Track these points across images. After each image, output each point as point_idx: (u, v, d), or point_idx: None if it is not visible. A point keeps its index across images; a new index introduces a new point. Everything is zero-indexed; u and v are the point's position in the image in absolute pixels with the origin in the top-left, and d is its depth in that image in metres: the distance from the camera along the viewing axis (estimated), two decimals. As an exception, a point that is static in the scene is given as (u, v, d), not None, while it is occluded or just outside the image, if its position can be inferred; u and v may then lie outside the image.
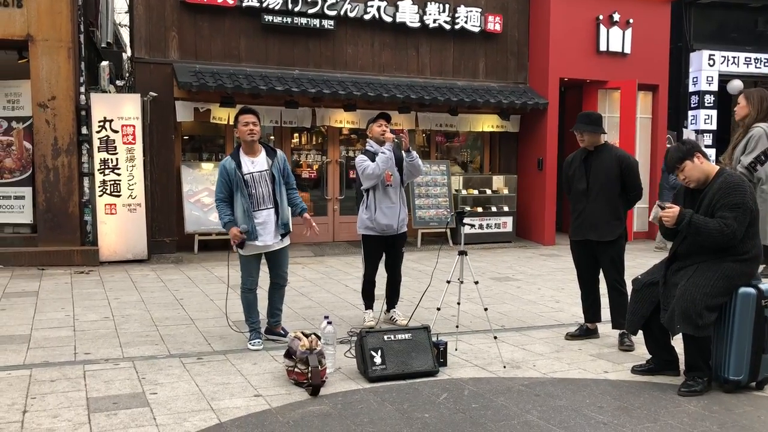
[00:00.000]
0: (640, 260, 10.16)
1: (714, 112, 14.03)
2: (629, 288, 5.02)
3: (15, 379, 4.55)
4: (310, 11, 10.75)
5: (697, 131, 13.95)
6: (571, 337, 5.79)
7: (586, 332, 5.79)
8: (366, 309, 6.19)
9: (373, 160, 5.85)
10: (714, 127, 14.09)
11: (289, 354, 4.54)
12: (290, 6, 10.62)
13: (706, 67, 13.86)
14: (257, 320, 5.51)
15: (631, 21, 12.41)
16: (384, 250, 6.08)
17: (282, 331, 5.60)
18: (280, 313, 5.67)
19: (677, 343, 4.68)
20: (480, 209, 11.84)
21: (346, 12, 11.00)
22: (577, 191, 5.62)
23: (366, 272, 6.11)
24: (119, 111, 9.62)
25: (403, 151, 5.89)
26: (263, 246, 5.37)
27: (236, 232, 5.23)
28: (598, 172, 5.50)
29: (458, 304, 5.57)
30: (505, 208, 12.05)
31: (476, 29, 11.93)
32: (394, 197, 5.96)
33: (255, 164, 5.34)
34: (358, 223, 6.08)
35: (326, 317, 4.89)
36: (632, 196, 5.54)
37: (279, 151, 5.54)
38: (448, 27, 11.74)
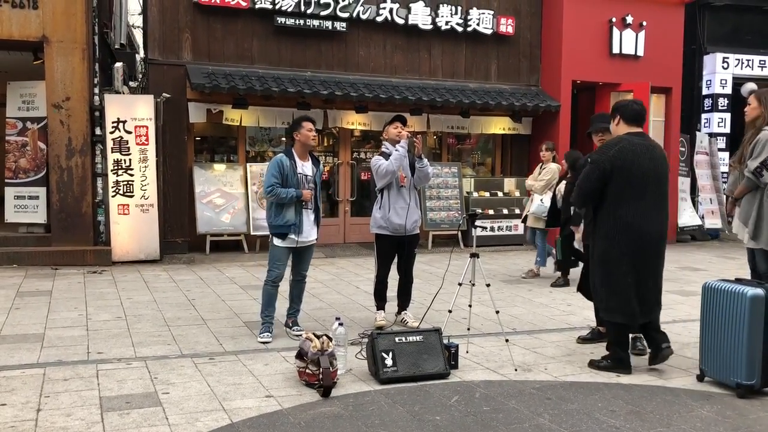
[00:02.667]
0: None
1: (728, 115, 13.93)
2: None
3: (29, 378, 4.59)
4: (323, 13, 10.78)
5: (710, 134, 13.87)
6: (582, 340, 5.76)
7: (599, 336, 5.76)
8: (377, 309, 6.20)
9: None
10: (728, 130, 13.99)
11: (301, 355, 4.55)
12: (303, 8, 10.65)
13: (720, 70, 13.78)
14: (272, 315, 5.69)
15: (644, 23, 12.36)
16: (396, 252, 6.10)
17: (294, 324, 5.90)
18: (297, 310, 5.96)
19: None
20: (491, 211, 11.82)
21: (358, 14, 11.02)
22: None
23: (378, 273, 6.13)
24: (133, 112, 9.68)
25: (415, 157, 5.94)
26: (302, 241, 5.65)
27: (309, 192, 5.62)
28: None
29: (470, 306, 5.57)
30: (517, 211, 12.01)
31: (488, 31, 11.91)
32: (408, 198, 6.00)
33: (305, 168, 5.70)
34: (371, 222, 6.13)
35: (337, 318, 4.90)
36: None
37: (321, 163, 5.97)
38: (460, 29, 11.73)
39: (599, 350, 5.50)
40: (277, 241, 5.64)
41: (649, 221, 4.75)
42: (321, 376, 4.35)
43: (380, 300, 6.19)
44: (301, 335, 4.97)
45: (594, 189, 4.73)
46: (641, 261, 4.77)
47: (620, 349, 4.94)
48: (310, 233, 5.73)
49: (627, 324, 4.85)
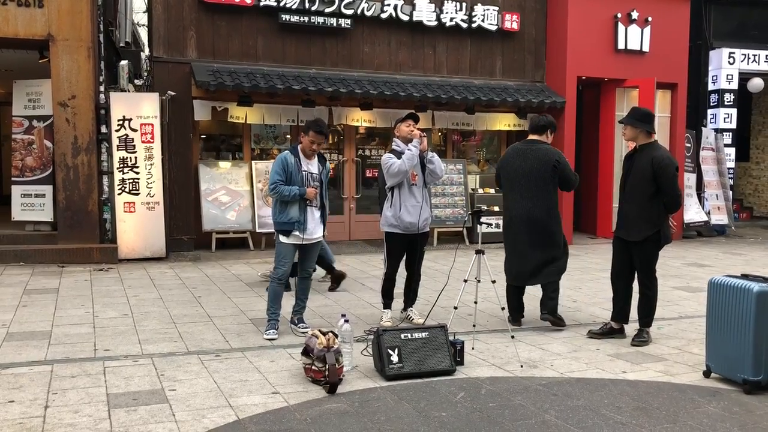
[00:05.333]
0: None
1: (734, 111, 13.88)
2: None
3: (37, 375, 4.61)
4: (327, 10, 10.77)
5: (716, 130, 13.82)
6: (593, 335, 5.75)
7: (609, 331, 5.74)
8: (384, 308, 6.16)
9: (399, 159, 5.87)
10: (734, 125, 13.94)
11: (307, 352, 4.56)
12: (307, 5, 10.65)
13: (726, 65, 13.72)
14: (278, 312, 5.71)
15: (649, 19, 12.31)
16: (406, 249, 6.09)
17: (299, 321, 5.88)
18: (303, 307, 5.92)
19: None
20: (497, 208, 11.77)
21: (363, 11, 11.01)
22: (620, 188, 5.73)
23: (387, 270, 6.08)
24: (138, 110, 9.70)
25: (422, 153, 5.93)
26: (307, 238, 5.65)
27: (313, 190, 5.60)
28: (635, 172, 5.51)
29: (475, 303, 5.56)
30: (522, 207, 11.99)
31: (493, 27, 11.89)
32: (419, 196, 5.96)
33: (310, 165, 5.71)
34: (381, 220, 6.08)
35: (343, 315, 4.91)
36: (666, 200, 5.41)
37: (327, 161, 5.94)
38: (464, 25, 11.71)
39: (605, 346, 5.52)
40: (282, 238, 5.65)
41: (517, 207, 6.01)
42: (327, 373, 4.36)
43: (387, 298, 6.15)
44: (306, 332, 4.98)
45: (498, 186, 6.33)
46: (514, 238, 6.06)
47: (508, 302, 6.19)
48: (315, 231, 5.73)
49: (509, 282, 6.21)
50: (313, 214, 5.70)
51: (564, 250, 6.11)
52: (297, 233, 5.60)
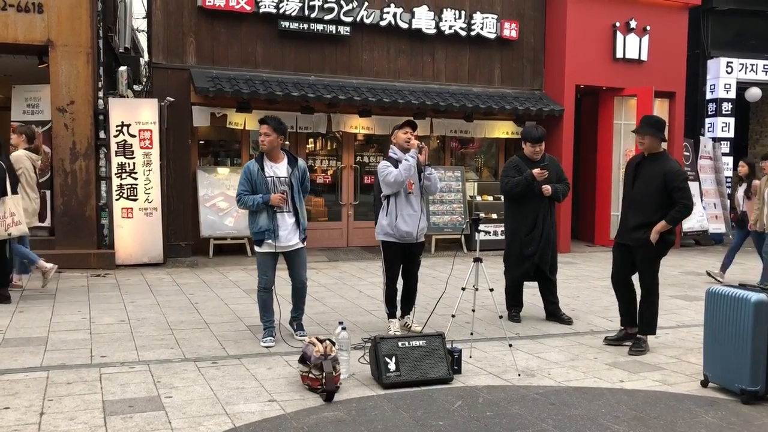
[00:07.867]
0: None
1: (731, 120, 13.92)
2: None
3: (32, 381, 4.59)
4: (327, 17, 10.80)
5: (714, 139, 13.85)
6: (609, 341, 5.78)
7: (625, 336, 5.76)
8: (390, 318, 6.05)
9: (396, 167, 5.76)
10: (731, 134, 13.98)
11: (304, 359, 4.54)
12: (307, 12, 10.67)
13: (724, 75, 13.77)
14: (272, 319, 5.68)
15: (648, 28, 12.36)
16: (402, 256, 6.01)
17: (298, 327, 5.86)
18: (301, 313, 5.90)
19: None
20: (495, 216, 11.79)
21: (362, 18, 11.04)
22: (624, 194, 5.73)
23: (386, 279, 5.98)
24: (137, 116, 9.70)
25: (422, 165, 5.85)
26: (281, 246, 5.53)
27: (278, 195, 5.42)
28: (644, 180, 5.50)
29: (473, 311, 5.56)
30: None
31: (492, 36, 11.92)
32: (416, 205, 5.87)
33: (276, 169, 5.55)
34: (377, 229, 5.97)
35: (341, 323, 4.89)
36: (677, 209, 5.36)
37: (300, 161, 5.74)
38: (463, 33, 11.74)
39: (603, 355, 5.51)
40: (257, 248, 5.56)
41: None
42: (324, 381, 4.34)
43: (391, 307, 6.04)
44: (304, 340, 4.97)
45: None
46: None
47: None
48: (289, 238, 5.55)
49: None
50: (285, 221, 5.52)
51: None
52: (269, 242, 5.46)
